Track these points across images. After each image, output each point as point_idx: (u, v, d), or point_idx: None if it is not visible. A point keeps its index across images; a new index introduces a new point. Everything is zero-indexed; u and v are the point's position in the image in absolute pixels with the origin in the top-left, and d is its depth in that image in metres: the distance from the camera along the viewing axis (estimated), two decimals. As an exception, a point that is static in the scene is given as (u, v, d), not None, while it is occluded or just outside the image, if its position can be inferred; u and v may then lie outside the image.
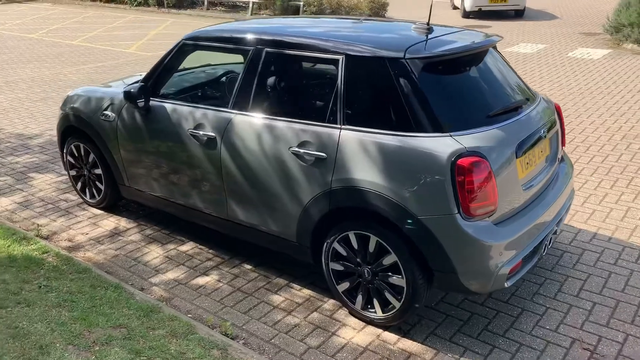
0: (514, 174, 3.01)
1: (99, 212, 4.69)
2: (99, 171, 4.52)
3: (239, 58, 3.85)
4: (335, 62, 3.18)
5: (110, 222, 4.53)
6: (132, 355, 2.80)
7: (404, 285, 3.02)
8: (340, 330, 3.22)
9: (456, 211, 2.80)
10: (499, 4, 16.39)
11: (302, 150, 3.19)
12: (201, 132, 3.63)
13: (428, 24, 3.38)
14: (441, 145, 2.83)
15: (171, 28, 15.20)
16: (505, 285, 2.97)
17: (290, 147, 3.24)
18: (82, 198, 4.83)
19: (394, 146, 2.91)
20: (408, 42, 3.11)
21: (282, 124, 3.31)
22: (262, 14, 17.05)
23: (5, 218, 4.56)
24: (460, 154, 2.79)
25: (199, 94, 4.14)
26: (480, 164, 2.79)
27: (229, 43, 3.72)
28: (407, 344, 3.10)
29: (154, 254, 4.04)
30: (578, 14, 17.19)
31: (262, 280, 3.71)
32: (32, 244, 3.95)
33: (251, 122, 3.44)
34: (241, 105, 3.52)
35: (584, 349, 3.04)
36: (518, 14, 16.77)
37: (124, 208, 4.74)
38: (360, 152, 3.00)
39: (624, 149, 5.93)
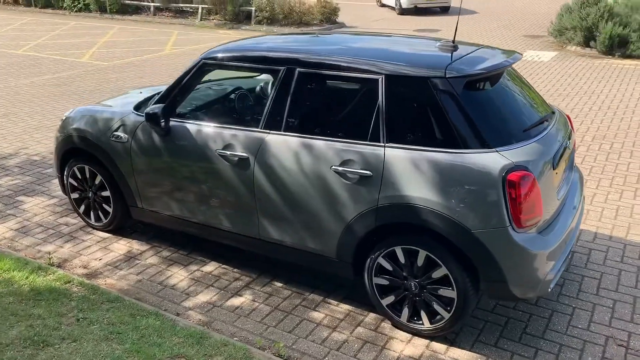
0: (551, 185, 3.19)
1: (106, 235, 4.55)
2: (106, 193, 4.39)
3: (261, 76, 3.85)
4: (374, 82, 3.25)
5: (122, 245, 4.40)
6: (199, 385, 2.76)
7: (455, 297, 3.13)
8: (389, 344, 3.29)
9: (508, 224, 2.93)
10: (431, 1, 18.67)
11: (345, 169, 3.24)
12: (231, 153, 3.61)
13: (454, 41, 3.51)
14: (490, 161, 2.96)
15: (120, 35, 14.77)
16: (549, 290, 3.14)
17: (332, 166, 3.28)
18: (86, 221, 4.67)
19: (445, 163, 3.01)
20: (445, 60, 3.23)
21: (321, 143, 3.35)
22: (212, 19, 16.83)
23: (7, 246, 4.34)
24: (509, 169, 2.93)
25: (223, 114, 4.10)
26: (528, 177, 2.94)
27: (256, 63, 3.71)
28: (457, 353, 3.21)
29: (179, 276, 3.98)
30: (519, 16, 18.01)
31: (297, 297, 3.73)
32: (50, 274, 3.80)
33: (287, 141, 3.45)
34: (274, 125, 3.52)
35: (619, 345, 3.25)
36: (444, 10, 19.22)
37: (132, 230, 4.62)
38: (410, 169, 3.08)
39: (597, 149, 6.32)
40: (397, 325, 3.41)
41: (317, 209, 3.40)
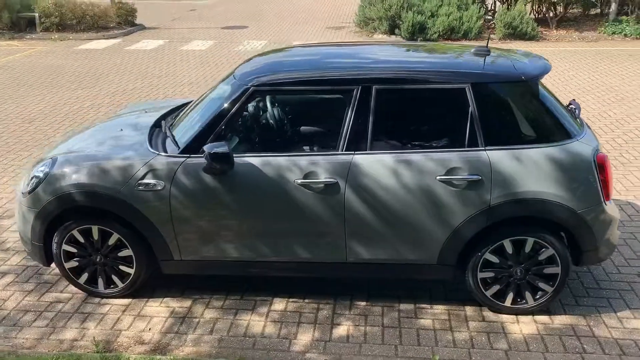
0: (599, 162, 3.79)
1: (124, 301, 3.87)
2: (126, 253, 3.74)
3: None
4: (461, 91, 3.43)
5: (157, 307, 3.81)
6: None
7: (559, 272, 3.55)
8: (506, 328, 3.58)
9: (603, 199, 3.45)
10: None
11: (451, 177, 3.39)
12: (314, 180, 3.44)
13: (487, 46, 3.87)
14: (581, 148, 3.43)
15: None
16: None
17: (437, 176, 3.40)
18: (90, 291, 3.90)
19: (545, 156, 3.38)
20: (517, 66, 3.57)
21: (419, 157, 3.42)
22: None
23: (7, 347, 3.42)
24: (595, 152, 3.44)
25: (288, 141, 3.81)
26: (606, 157, 3.49)
27: (320, 85, 3.57)
28: (561, 319, 3.66)
29: (256, 323, 3.65)
30: (308, 14, 19.12)
31: (392, 311, 3.75)
32: (123, 362, 3.16)
33: (381, 160, 3.43)
34: (358, 145, 3.47)
35: (651, 279, 4.07)
36: None
37: (149, 289, 3.99)
38: (516, 167, 3.37)
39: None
40: (501, 310, 3.70)
41: (420, 220, 3.48)
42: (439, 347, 3.43)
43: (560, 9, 14.06)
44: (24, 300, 3.89)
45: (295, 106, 3.89)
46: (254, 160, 3.52)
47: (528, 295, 3.63)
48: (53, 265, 3.90)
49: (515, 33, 13.01)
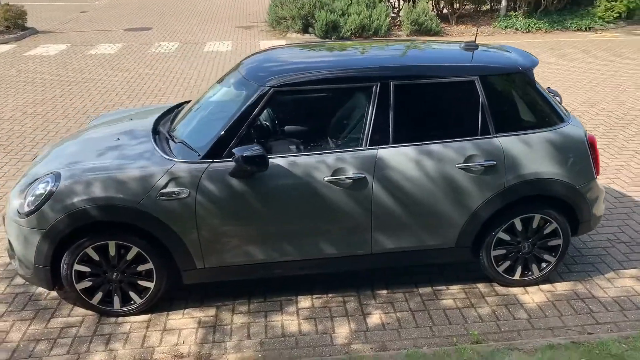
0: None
1: (141, 318, 3.70)
2: (146, 267, 3.59)
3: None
4: (470, 83, 3.68)
5: (181, 319, 3.69)
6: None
7: (561, 243, 3.92)
8: (520, 299, 3.90)
9: (595, 174, 3.86)
10: None
11: (469, 164, 3.63)
12: (342, 177, 3.53)
13: (474, 41, 4.16)
14: (575, 130, 3.82)
15: None
16: (600, 219, 4.23)
17: (457, 164, 3.62)
18: (103, 311, 3.68)
19: (549, 139, 3.73)
20: (515, 57, 3.89)
21: (438, 147, 3.63)
22: None
23: (40, 379, 3.17)
24: (585, 133, 3.84)
25: (311, 140, 3.80)
26: (594, 137, 3.91)
27: (339, 83, 3.65)
28: (562, 285, 4.04)
29: (290, 323, 3.66)
30: (211, 14, 18.77)
31: (414, 295, 3.93)
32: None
33: (403, 152, 3.59)
34: (381, 139, 3.60)
35: (620, 243, 4.60)
36: None
37: (165, 302, 3.84)
38: (525, 151, 3.68)
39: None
40: (510, 284, 4.01)
41: (441, 207, 3.68)
42: (469, 323, 3.66)
43: (456, 5, 15.03)
44: (30, 329, 3.59)
45: (316, 105, 3.92)
46: (281, 161, 3.52)
47: (534, 267, 3.97)
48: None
49: (421, 29, 13.73)
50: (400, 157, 3.59)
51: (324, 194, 3.55)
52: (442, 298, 3.92)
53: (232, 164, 3.42)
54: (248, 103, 3.54)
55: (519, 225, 3.84)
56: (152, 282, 3.64)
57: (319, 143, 3.82)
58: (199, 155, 3.52)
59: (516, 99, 3.80)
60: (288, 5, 13.74)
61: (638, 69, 10.34)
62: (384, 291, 3.99)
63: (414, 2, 14.26)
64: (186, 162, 3.50)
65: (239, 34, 14.17)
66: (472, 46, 4.07)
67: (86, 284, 3.60)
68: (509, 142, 3.69)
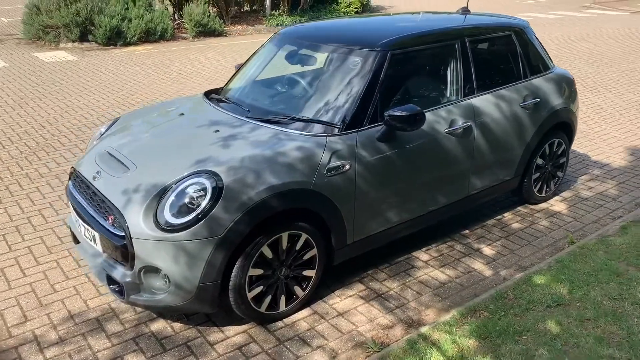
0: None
1: (303, 314, 3.41)
2: (310, 253, 3.34)
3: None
4: (509, 37, 4.40)
5: (346, 301, 3.52)
6: None
7: (565, 161, 4.93)
8: (552, 209, 4.78)
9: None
10: None
11: (526, 103, 4.35)
12: (456, 127, 3.87)
13: (467, 7, 4.88)
14: (564, 72, 4.88)
15: None
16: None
17: (520, 103, 4.30)
18: (270, 317, 3.28)
19: (554, 78, 4.69)
20: (516, 19, 4.73)
21: (505, 91, 4.25)
22: None
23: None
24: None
25: (423, 97, 3.90)
26: (567, 75, 5.04)
27: (437, 43, 3.94)
28: (568, 193, 5.08)
29: (449, 271, 3.84)
30: None
31: (464, 238, 4.46)
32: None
33: (486, 98, 4.11)
34: (470, 90, 4.04)
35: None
36: None
37: (321, 293, 3.57)
38: (548, 88, 4.57)
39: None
40: (538, 201, 4.86)
41: (511, 142, 4.32)
42: (546, 236, 4.37)
43: (231, 7, 15.44)
44: (193, 339, 2.98)
45: (421, 64, 3.98)
46: (413, 118, 3.65)
47: (552, 184, 4.91)
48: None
49: (205, 30, 13.77)
50: (486, 103, 4.08)
51: (445, 145, 3.82)
52: (498, 228, 4.50)
53: (378, 128, 3.44)
54: (370, 68, 3.54)
55: (547, 150, 4.71)
56: (314, 269, 3.39)
57: (431, 99, 4.02)
58: (340, 127, 3.40)
59: (532, 48, 4.64)
60: (59, 12, 12.21)
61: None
62: (467, 231, 4.42)
63: (184, 5, 14.15)
64: (336, 135, 3.35)
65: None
66: (466, 12, 4.75)
67: (257, 290, 3.15)
68: (538, 83, 4.51)
